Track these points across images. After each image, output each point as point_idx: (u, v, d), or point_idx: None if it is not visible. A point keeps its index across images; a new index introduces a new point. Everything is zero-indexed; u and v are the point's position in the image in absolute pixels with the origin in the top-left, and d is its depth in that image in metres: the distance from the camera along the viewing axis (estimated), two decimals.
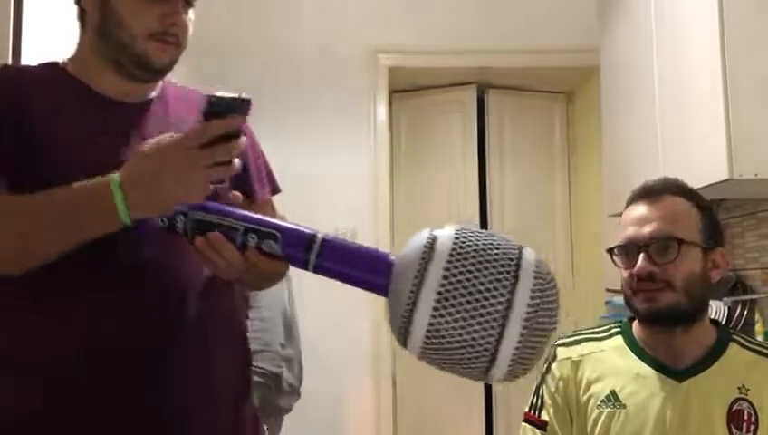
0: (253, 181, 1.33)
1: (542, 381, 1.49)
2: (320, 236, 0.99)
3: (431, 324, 0.89)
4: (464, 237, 0.92)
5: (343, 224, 3.94)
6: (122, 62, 1.19)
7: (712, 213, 1.45)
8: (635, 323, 1.46)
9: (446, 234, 0.93)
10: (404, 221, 4.46)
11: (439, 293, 0.89)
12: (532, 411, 1.50)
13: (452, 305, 0.88)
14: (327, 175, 4.00)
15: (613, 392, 1.39)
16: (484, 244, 0.91)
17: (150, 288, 1.13)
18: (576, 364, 1.45)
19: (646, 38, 2.62)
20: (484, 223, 4.53)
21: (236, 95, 0.99)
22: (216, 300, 1.22)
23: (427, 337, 0.89)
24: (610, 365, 1.42)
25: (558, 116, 4.78)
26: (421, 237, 0.95)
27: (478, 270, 0.89)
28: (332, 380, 3.83)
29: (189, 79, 3.39)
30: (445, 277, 0.89)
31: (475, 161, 4.52)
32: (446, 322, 0.88)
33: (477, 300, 0.88)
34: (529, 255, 0.93)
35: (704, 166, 2.15)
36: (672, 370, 1.38)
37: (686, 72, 2.31)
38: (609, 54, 3.09)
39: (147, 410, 1.11)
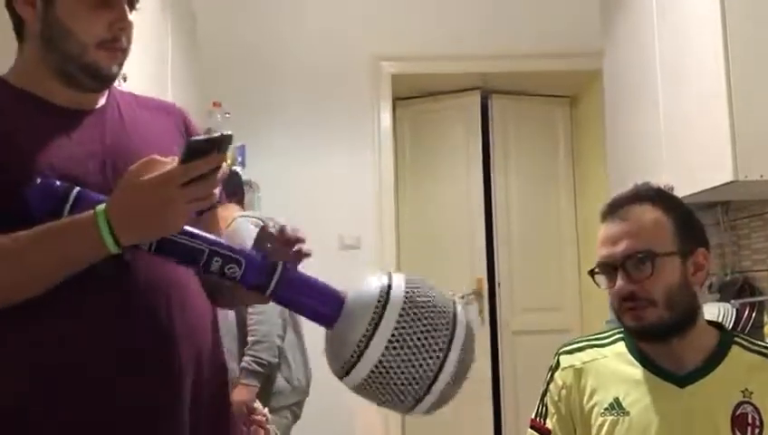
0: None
1: (546, 388, 1.49)
2: (280, 265, 1.08)
3: (380, 362, 1.02)
4: (413, 290, 1.05)
5: (348, 232, 3.94)
6: (71, 73, 1.17)
7: (687, 214, 1.42)
8: None
9: (397, 285, 1.05)
10: (409, 228, 4.46)
11: (392, 336, 1.01)
12: (537, 419, 1.49)
13: (401, 349, 1.02)
14: (331, 183, 4.01)
15: (616, 400, 1.38)
16: (428, 296, 1.05)
17: (132, 290, 1.13)
18: (579, 372, 1.44)
19: (648, 40, 2.61)
20: (489, 229, 4.52)
21: (216, 134, 1.02)
22: (194, 302, 1.22)
23: (372, 372, 1.02)
24: (613, 372, 1.41)
25: (562, 120, 4.78)
26: (374, 284, 1.06)
27: (425, 321, 1.03)
28: (341, 387, 3.82)
29: (195, 87, 3.42)
30: (397, 325, 1.02)
31: (480, 167, 4.51)
32: (394, 361, 1.02)
33: (423, 346, 1.02)
34: (460, 309, 1.08)
35: (709, 168, 2.15)
36: (674, 375, 1.37)
37: (689, 74, 2.31)
38: (612, 57, 3.09)
39: (133, 410, 1.12)
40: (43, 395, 1.07)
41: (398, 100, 4.50)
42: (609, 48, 3.11)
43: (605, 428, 1.37)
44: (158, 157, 1.03)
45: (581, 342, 1.50)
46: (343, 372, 1.05)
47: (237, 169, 3.33)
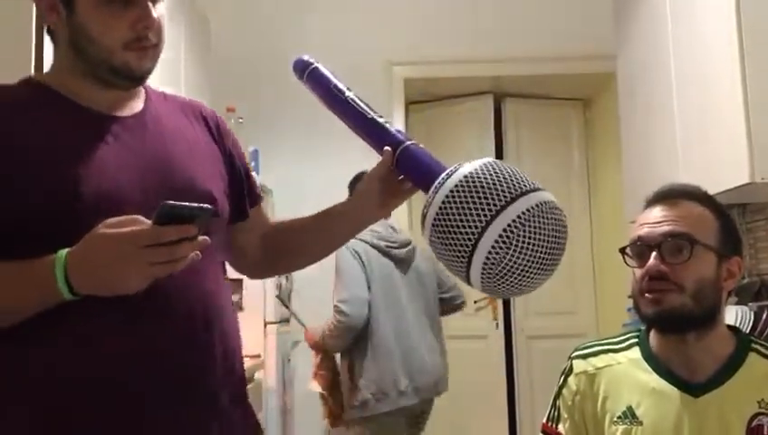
0: (248, 194, 1.39)
1: (559, 393, 1.47)
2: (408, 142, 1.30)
3: (436, 213, 1.17)
4: (479, 170, 1.16)
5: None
6: (103, 76, 1.16)
7: (730, 221, 1.41)
8: (651, 333, 1.42)
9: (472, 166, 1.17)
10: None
11: (447, 195, 1.16)
12: (549, 423, 1.48)
13: (452, 204, 1.15)
14: (345, 187, 4.00)
15: (629, 408, 1.36)
16: (495, 175, 1.15)
17: (176, 306, 1.12)
18: (592, 378, 1.42)
19: (662, 42, 2.60)
20: None
21: (194, 205, 1.00)
22: (228, 311, 1.23)
23: (433, 222, 1.17)
24: (627, 379, 1.39)
25: (575, 123, 4.76)
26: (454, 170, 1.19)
27: (481, 188, 1.13)
28: None
29: (208, 92, 3.44)
30: (455, 188, 1.16)
31: None
32: (446, 216, 1.15)
33: (471, 205, 1.13)
34: (538, 195, 1.13)
35: (724, 170, 2.13)
36: (689, 384, 1.34)
37: (704, 76, 2.29)
38: (625, 59, 3.07)
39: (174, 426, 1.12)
40: (66, 413, 1.06)
41: (411, 104, 4.50)
42: (623, 50, 3.09)
43: None
44: (141, 217, 1.01)
45: (595, 346, 1.48)
46: (421, 222, 1.22)
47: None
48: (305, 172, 3.99)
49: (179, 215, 0.98)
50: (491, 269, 1.10)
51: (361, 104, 1.38)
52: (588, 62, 4.03)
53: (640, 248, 1.38)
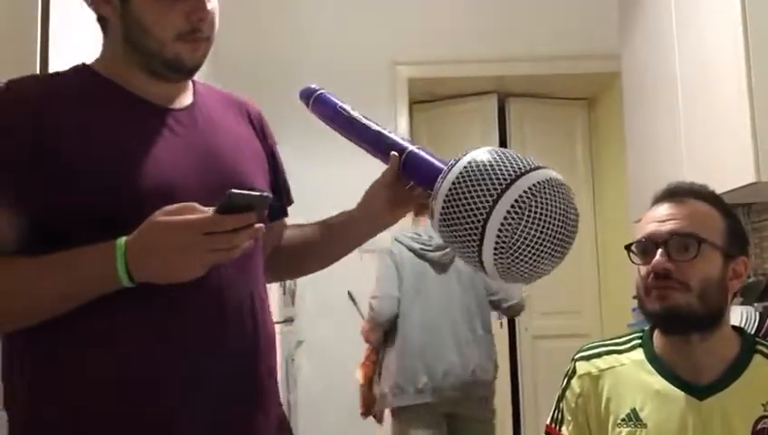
0: (284, 202, 1.42)
1: (563, 395, 1.46)
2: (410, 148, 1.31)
3: (444, 200, 1.15)
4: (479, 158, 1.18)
5: None
6: (155, 69, 1.15)
7: (737, 221, 1.41)
8: (655, 334, 1.42)
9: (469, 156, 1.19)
10: None
11: (454, 183, 1.15)
12: (553, 425, 1.47)
13: (457, 195, 1.14)
14: (347, 188, 3.97)
15: (633, 411, 1.35)
16: (495, 160, 1.15)
17: (227, 298, 1.13)
18: (596, 379, 1.41)
19: (667, 41, 2.59)
20: None
21: (256, 193, 1.03)
22: (269, 305, 1.24)
23: (441, 214, 1.16)
24: (630, 381, 1.38)
25: (580, 123, 4.75)
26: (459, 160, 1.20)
27: (484, 172, 1.14)
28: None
29: None
30: (459, 175, 1.16)
31: None
32: (454, 200, 1.14)
33: (477, 186, 1.12)
34: (539, 173, 1.12)
35: (730, 169, 2.12)
36: (693, 387, 1.33)
37: (709, 74, 2.28)
38: (630, 59, 3.07)
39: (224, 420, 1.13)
40: (112, 408, 1.06)
41: (414, 104, 4.50)
42: (627, 49, 3.08)
43: None
44: (198, 205, 1.02)
45: (599, 347, 1.47)
46: (430, 216, 1.20)
47: None
48: (309, 173, 3.99)
49: (241, 204, 1.00)
50: (504, 243, 1.09)
51: (366, 120, 1.39)
52: (592, 62, 4.02)
53: (646, 245, 1.37)
